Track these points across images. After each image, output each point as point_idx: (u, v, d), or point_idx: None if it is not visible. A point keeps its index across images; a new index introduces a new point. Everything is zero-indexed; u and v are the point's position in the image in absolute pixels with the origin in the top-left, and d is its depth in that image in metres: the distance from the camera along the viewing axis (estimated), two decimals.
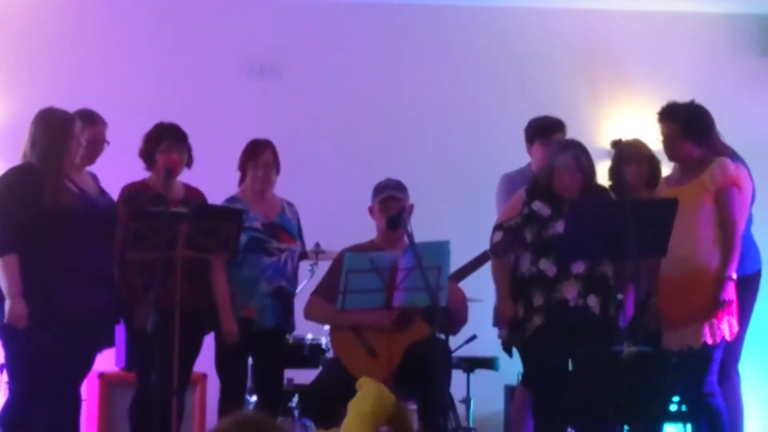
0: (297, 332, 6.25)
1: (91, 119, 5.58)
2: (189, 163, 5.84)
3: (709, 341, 5.50)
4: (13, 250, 5.14)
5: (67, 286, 5.18)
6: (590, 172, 5.72)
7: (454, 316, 5.69)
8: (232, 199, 5.98)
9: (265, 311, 5.88)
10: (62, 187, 5.25)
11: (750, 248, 5.85)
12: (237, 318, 5.78)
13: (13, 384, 5.25)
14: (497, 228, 5.77)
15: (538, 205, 5.71)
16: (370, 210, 5.88)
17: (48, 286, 5.16)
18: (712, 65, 7.97)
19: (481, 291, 6.28)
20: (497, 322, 6.16)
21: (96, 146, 5.59)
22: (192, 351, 5.75)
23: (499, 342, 5.91)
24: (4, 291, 5.14)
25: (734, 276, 5.54)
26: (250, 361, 6.07)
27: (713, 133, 5.77)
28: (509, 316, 5.70)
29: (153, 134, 5.82)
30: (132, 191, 5.74)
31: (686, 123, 5.68)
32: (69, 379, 5.35)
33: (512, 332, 5.73)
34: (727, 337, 5.53)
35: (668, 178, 5.88)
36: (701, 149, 5.69)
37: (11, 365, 5.25)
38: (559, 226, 5.59)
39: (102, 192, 5.58)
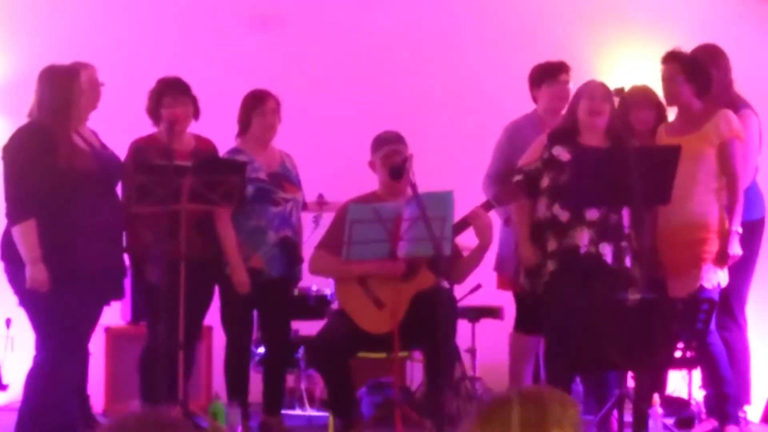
0: (302, 283, 6.26)
1: (81, 66, 5.53)
2: (196, 114, 5.84)
3: (707, 286, 5.52)
4: (31, 215, 5.13)
5: (82, 245, 5.17)
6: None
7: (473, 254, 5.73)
8: (234, 151, 5.96)
9: (273, 261, 5.89)
10: (75, 148, 5.23)
11: (755, 195, 5.85)
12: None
13: (42, 345, 5.23)
14: (517, 172, 5.73)
15: (558, 150, 5.63)
16: (371, 164, 5.83)
17: (65, 246, 5.14)
18: (716, 10, 7.89)
19: None
20: (498, 267, 6.19)
21: (93, 90, 5.57)
22: (201, 303, 5.78)
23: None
24: (24, 257, 5.12)
25: (740, 230, 5.55)
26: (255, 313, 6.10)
27: (723, 84, 5.75)
28: (529, 262, 5.66)
29: (156, 90, 5.82)
30: (141, 145, 5.75)
31: (689, 67, 5.65)
32: (85, 334, 5.38)
33: (529, 278, 5.70)
34: (722, 284, 5.57)
35: (668, 126, 5.84)
36: (700, 100, 5.66)
37: (38, 327, 5.23)
38: None
39: (104, 147, 5.57)
